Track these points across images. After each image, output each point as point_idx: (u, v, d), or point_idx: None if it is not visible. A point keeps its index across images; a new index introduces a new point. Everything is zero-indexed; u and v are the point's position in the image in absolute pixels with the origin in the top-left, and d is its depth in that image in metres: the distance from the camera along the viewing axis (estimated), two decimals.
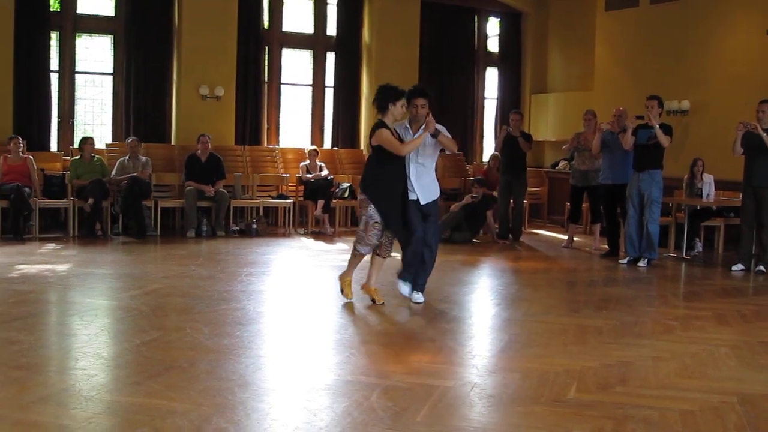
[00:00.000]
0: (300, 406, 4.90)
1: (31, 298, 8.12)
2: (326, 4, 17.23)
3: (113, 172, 13.37)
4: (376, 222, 7.87)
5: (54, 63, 15.01)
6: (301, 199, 14.81)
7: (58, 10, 15.18)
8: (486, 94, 19.00)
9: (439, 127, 7.96)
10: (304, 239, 13.63)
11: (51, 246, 11.83)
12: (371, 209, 7.86)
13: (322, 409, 4.86)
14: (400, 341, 6.72)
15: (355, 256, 8.16)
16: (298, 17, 17.16)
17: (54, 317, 7.73)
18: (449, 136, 8.09)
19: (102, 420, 4.54)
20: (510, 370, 5.84)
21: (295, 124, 17.17)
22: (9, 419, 4.50)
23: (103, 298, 8.42)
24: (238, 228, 13.82)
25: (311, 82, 17.23)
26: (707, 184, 12.64)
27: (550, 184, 17.54)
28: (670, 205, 12.86)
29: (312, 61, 17.22)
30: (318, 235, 14.02)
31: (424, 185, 8.13)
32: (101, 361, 5.84)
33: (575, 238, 13.65)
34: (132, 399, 4.90)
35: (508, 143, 13.90)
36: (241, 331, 6.84)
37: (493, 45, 19.09)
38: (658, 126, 11.16)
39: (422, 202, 8.07)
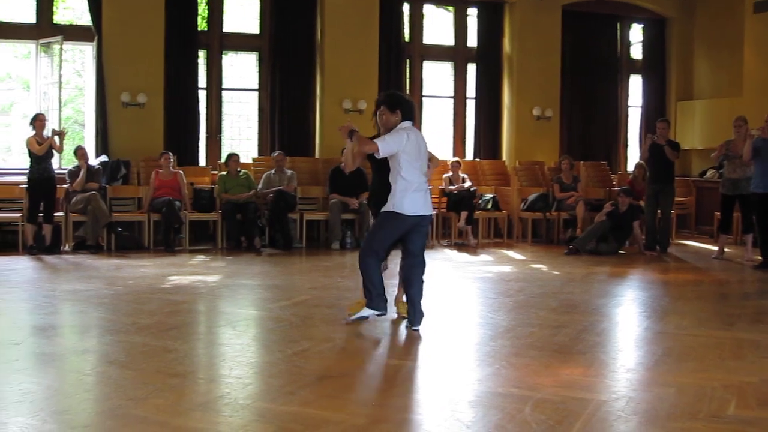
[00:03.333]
0: (452, 418, 4.87)
1: (184, 308, 8.35)
2: (466, 15, 17.21)
3: (259, 186, 13.65)
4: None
5: (202, 80, 15.43)
6: (444, 210, 14.80)
7: (206, 29, 15.61)
8: (630, 102, 18.63)
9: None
10: (447, 251, 13.62)
11: (201, 258, 12.16)
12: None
13: (474, 421, 4.82)
14: (550, 354, 6.61)
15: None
16: (438, 29, 17.20)
17: (207, 327, 7.91)
18: (367, 137, 7.51)
19: (257, 428, 4.60)
20: (665, 385, 5.67)
21: (436, 136, 17.18)
22: (168, 425, 4.61)
23: (253, 308, 8.58)
24: None
25: (452, 94, 17.23)
26: None
27: (697, 194, 17.06)
28: None
29: (453, 73, 17.22)
30: (461, 247, 13.98)
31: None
32: (254, 370, 5.95)
33: (726, 249, 13.21)
34: (286, 408, 4.96)
35: (654, 152, 13.58)
36: (389, 341, 6.86)
37: (636, 52, 18.72)
38: None
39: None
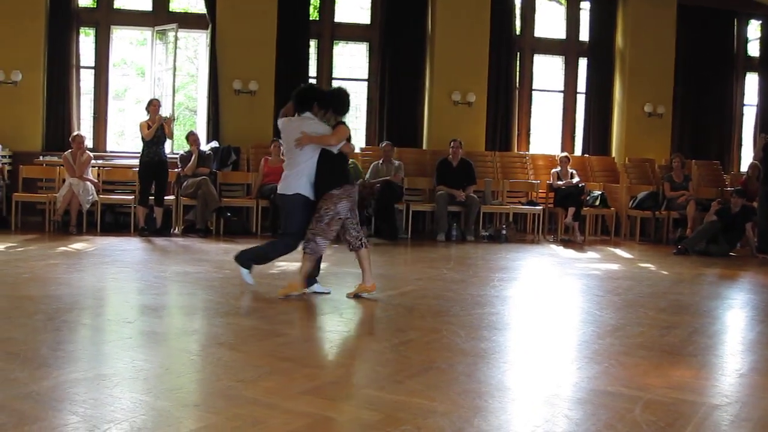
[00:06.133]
0: (561, 415, 4.80)
1: (291, 293, 8.41)
2: (579, 9, 17.00)
3: (367, 176, 13.70)
4: (340, 218, 7.97)
5: (312, 69, 15.56)
6: (551, 206, 14.66)
7: (317, 19, 15.73)
8: (745, 101, 18.16)
9: None
10: (553, 246, 13.49)
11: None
12: (341, 206, 7.90)
13: (584, 419, 4.74)
14: (659, 354, 6.47)
15: (309, 260, 8.07)
16: (550, 23, 17.01)
17: (314, 313, 7.96)
18: None
19: (366, 415, 4.60)
20: None
21: (545, 130, 17.02)
22: (278, 408, 4.65)
23: (360, 297, 8.60)
24: (487, 233, 13.83)
25: (562, 89, 17.05)
26: None
27: None
28: None
29: (564, 67, 17.02)
30: (567, 243, 13.83)
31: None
32: (362, 358, 5.98)
33: None
34: (393, 396, 4.95)
35: None
36: (496, 335, 6.81)
37: (753, 49, 18.23)
38: None
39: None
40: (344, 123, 8.11)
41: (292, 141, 7.99)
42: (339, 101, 8.15)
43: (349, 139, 8.16)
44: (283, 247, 8.35)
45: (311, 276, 8.27)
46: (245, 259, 8.30)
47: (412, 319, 7.29)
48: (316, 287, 8.32)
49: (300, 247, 8.04)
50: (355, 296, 8.23)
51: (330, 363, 5.74)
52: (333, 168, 7.99)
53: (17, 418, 4.32)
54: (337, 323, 7.22)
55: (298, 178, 8.03)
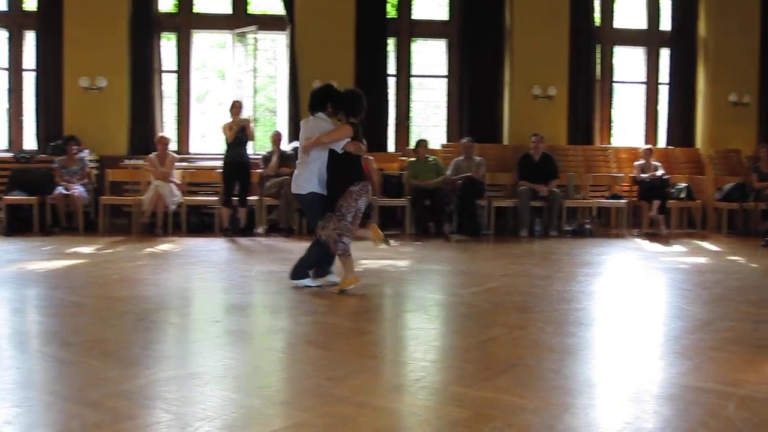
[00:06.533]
0: (652, 411, 4.73)
1: (376, 291, 8.46)
2: None
3: (448, 172, 13.67)
4: (360, 213, 8.15)
5: (391, 67, 15.58)
6: (635, 199, 14.46)
7: (395, 17, 15.75)
8: None
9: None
10: (638, 240, 13.30)
11: (390, 242, 12.25)
12: (361, 203, 8.03)
13: (675, 415, 4.66)
14: (752, 349, 6.32)
15: (347, 257, 8.16)
16: (630, 13, 16.78)
17: (399, 310, 7.98)
18: None
19: (453, 412, 4.58)
20: None
21: (628, 122, 16.80)
22: (367, 405, 4.66)
23: (444, 293, 8.60)
24: (570, 228, 13.70)
25: (645, 80, 16.79)
26: None
27: None
28: None
29: (645, 58, 16.77)
30: (653, 237, 13.62)
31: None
32: (448, 355, 5.97)
33: None
34: (481, 393, 4.92)
35: None
36: (583, 331, 6.74)
37: None
38: None
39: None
40: (353, 123, 8.20)
41: (304, 141, 8.24)
42: (351, 102, 8.28)
43: (357, 138, 8.19)
44: (321, 245, 8.38)
45: (310, 268, 8.43)
46: (300, 274, 8.39)
47: (497, 315, 7.25)
48: (329, 278, 8.49)
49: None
50: (341, 291, 8.17)
51: (416, 360, 5.72)
52: (346, 165, 8.10)
53: (112, 415, 4.42)
54: (422, 321, 7.22)
55: (310, 177, 8.18)
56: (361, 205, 8.07)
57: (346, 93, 8.48)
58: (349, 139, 8.07)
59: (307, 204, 8.37)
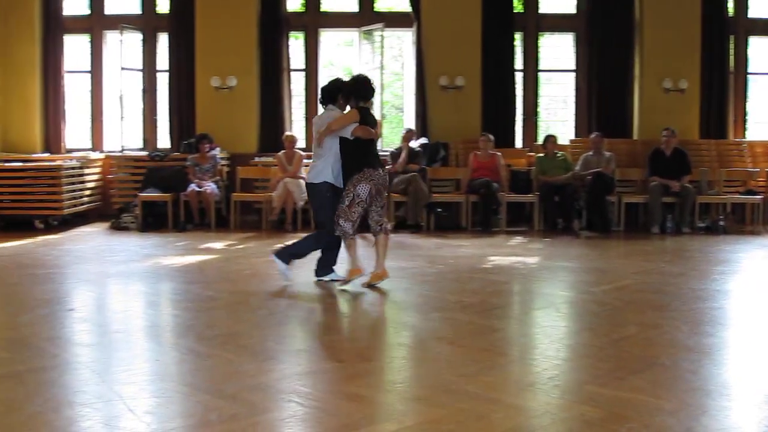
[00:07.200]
0: None
1: (505, 288, 8.41)
2: None
3: (577, 168, 13.49)
4: (361, 200, 8.05)
5: (518, 62, 15.46)
6: None
7: (522, 11, 15.62)
8: None
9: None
10: None
11: (518, 239, 12.20)
12: (360, 188, 8.01)
13: None
14: None
15: (350, 245, 8.24)
16: (766, 1, 16.22)
17: (529, 308, 7.91)
18: None
19: (588, 412, 4.51)
20: None
21: (763, 115, 16.27)
22: (501, 403, 4.63)
23: (575, 291, 8.47)
24: (704, 225, 13.33)
25: None
26: None
27: None
28: None
29: None
30: None
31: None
32: (581, 353, 5.87)
33: None
34: (617, 393, 4.83)
35: None
36: (721, 331, 6.55)
37: None
38: None
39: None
40: (363, 108, 8.24)
41: (316, 134, 8.33)
42: (356, 87, 8.35)
43: (368, 123, 8.18)
44: (317, 240, 8.55)
45: (329, 265, 8.57)
46: (284, 254, 8.49)
47: (630, 313, 7.11)
48: (332, 275, 8.54)
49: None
50: (370, 286, 8.24)
51: (549, 358, 5.65)
52: (354, 153, 8.14)
53: (248, 408, 4.50)
54: (553, 318, 7.14)
55: (324, 168, 8.26)
56: (360, 192, 8.05)
57: (352, 78, 8.61)
58: (356, 124, 8.09)
59: (316, 193, 8.36)
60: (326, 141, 8.21)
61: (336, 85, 8.53)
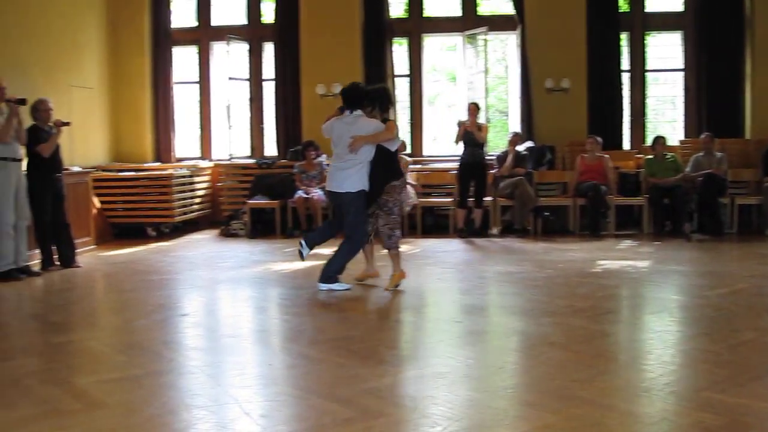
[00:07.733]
0: None
1: (616, 292, 8.30)
2: None
3: (687, 169, 13.21)
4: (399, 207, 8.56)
5: (624, 62, 15.24)
6: None
7: (628, 10, 15.39)
8: None
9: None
10: None
11: (627, 242, 12.02)
12: (403, 195, 8.82)
13: None
14: None
15: (397, 252, 8.47)
16: None
17: (642, 312, 7.77)
18: None
19: (707, 419, 4.40)
20: None
21: None
22: (616, 409, 4.58)
23: (688, 295, 8.30)
24: None
25: None
26: None
27: None
28: None
29: None
30: None
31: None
32: (698, 359, 5.74)
33: None
34: (737, 400, 4.71)
35: None
36: None
37: None
38: None
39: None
40: (392, 120, 8.59)
41: (347, 140, 8.23)
42: (384, 97, 8.57)
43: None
44: (351, 249, 8.57)
45: (315, 245, 8.79)
46: (329, 277, 8.45)
47: (748, 318, 6.94)
48: (338, 285, 8.50)
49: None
50: (395, 287, 8.32)
51: (665, 364, 5.55)
52: (390, 162, 8.34)
53: (362, 412, 4.53)
54: (667, 323, 7.00)
55: (360, 175, 8.28)
56: (403, 198, 8.56)
57: (378, 90, 8.72)
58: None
59: (353, 201, 8.32)
60: (362, 149, 8.25)
61: (361, 90, 8.54)
